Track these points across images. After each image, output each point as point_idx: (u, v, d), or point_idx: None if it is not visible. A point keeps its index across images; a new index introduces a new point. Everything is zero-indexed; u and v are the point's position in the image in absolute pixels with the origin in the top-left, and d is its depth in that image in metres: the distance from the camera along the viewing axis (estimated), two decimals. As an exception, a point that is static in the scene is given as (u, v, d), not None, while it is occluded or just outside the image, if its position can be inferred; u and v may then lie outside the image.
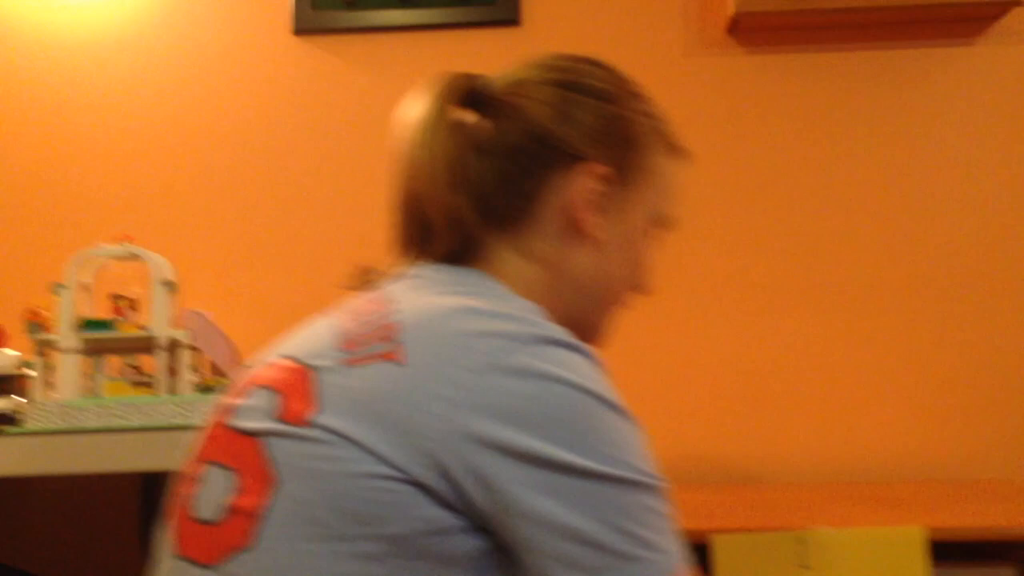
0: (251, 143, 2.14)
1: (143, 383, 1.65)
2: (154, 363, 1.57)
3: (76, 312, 1.56)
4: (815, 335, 2.00)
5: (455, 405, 0.77)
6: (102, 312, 1.65)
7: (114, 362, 1.71)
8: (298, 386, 0.82)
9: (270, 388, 0.83)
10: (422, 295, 0.84)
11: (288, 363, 0.85)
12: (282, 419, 0.81)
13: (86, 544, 2.08)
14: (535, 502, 0.76)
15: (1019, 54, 2.03)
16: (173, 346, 1.57)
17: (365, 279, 0.94)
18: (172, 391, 1.56)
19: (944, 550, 1.33)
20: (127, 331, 1.55)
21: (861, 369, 1.99)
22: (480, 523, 0.78)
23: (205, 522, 0.82)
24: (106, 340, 1.57)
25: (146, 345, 1.57)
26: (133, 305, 1.69)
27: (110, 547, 2.06)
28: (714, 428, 2.00)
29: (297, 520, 0.79)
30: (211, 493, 0.82)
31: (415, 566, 0.78)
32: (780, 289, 2.01)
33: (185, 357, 1.57)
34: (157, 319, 1.56)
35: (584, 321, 0.95)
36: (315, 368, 0.83)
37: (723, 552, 1.18)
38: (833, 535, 1.24)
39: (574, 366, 0.79)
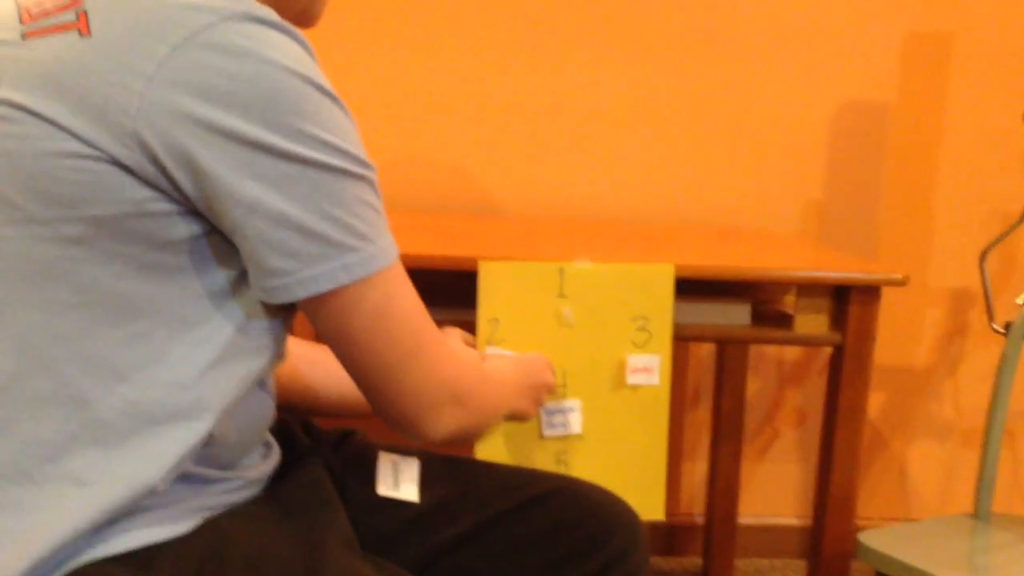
0: None
1: None
2: None
3: None
4: (585, 76, 2.02)
5: (153, 80, 0.71)
6: None
7: None
8: None
9: None
10: None
11: None
12: None
13: None
14: (242, 185, 0.73)
15: None
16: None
17: None
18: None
19: (689, 286, 1.43)
20: None
21: (629, 113, 2.04)
22: (192, 207, 0.76)
23: None
24: None
25: None
26: None
27: None
28: (486, 162, 2.02)
29: None
30: None
31: (123, 250, 0.75)
32: (554, 29, 2.00)
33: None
34: None
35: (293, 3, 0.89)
36: None
37: (488, 278, 1.22)
38: (590, 268, 1.30)
39: (282, 47, 0.75)
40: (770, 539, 2.21)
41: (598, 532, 1.01)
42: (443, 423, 0.88)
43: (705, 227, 2.01)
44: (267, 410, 0.92)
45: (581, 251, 1.42)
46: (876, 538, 1.61)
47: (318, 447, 1.04)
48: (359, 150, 0.79)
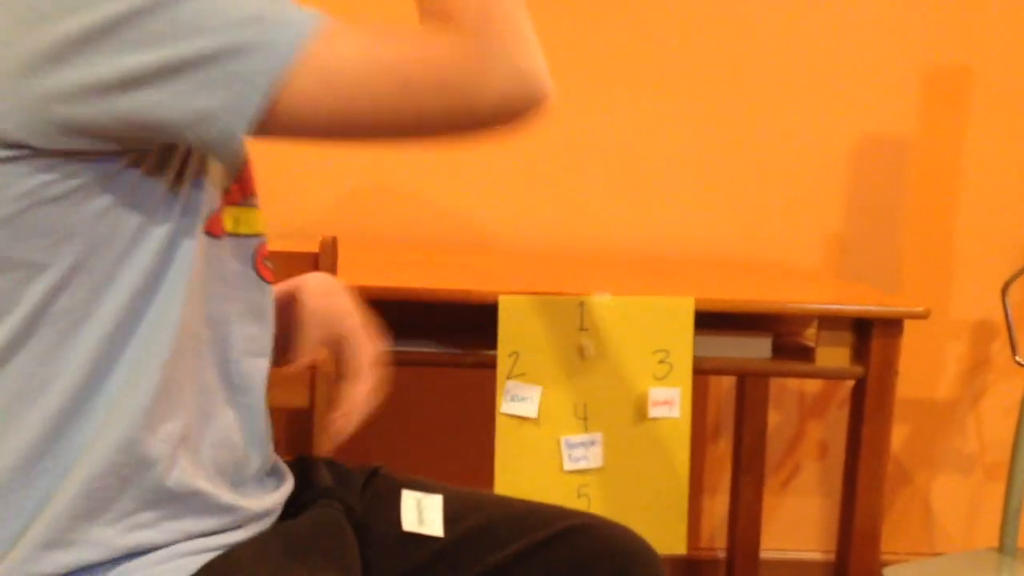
0: None
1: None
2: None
3: None
4: (604, 112, 2.03)
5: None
6: None
7: None
8: None
9: None
10: None
11: None
12: None
13: None
14: (97, 75, 0.72)
15: None
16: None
17: None
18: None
19: (709, 319, 1.43)
20: None
21: (646, 147, 2.05)
22: (86, 171, 0.76)
23: None
24: None
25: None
26: None
27: None
28: (505, 196, 2.04)
29: None
30: None
31: (30, 246, 0.76)
32: (573, 62, 2.02)
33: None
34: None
35: None
36: None
37: (508, 312, 1.23)
38: (611, 301, 1.30)
39: None
40: (793, 573, 2.18)
41: (617, 570, 1.00)
42: (494, 59, 0.78)
43: (724, 260, 2.01)
44: (246, 421, 0.90)
45: (600, 284, 1.42)
46: (901, 573, 1.60)
47: (341, 486, 1.03)
48: None
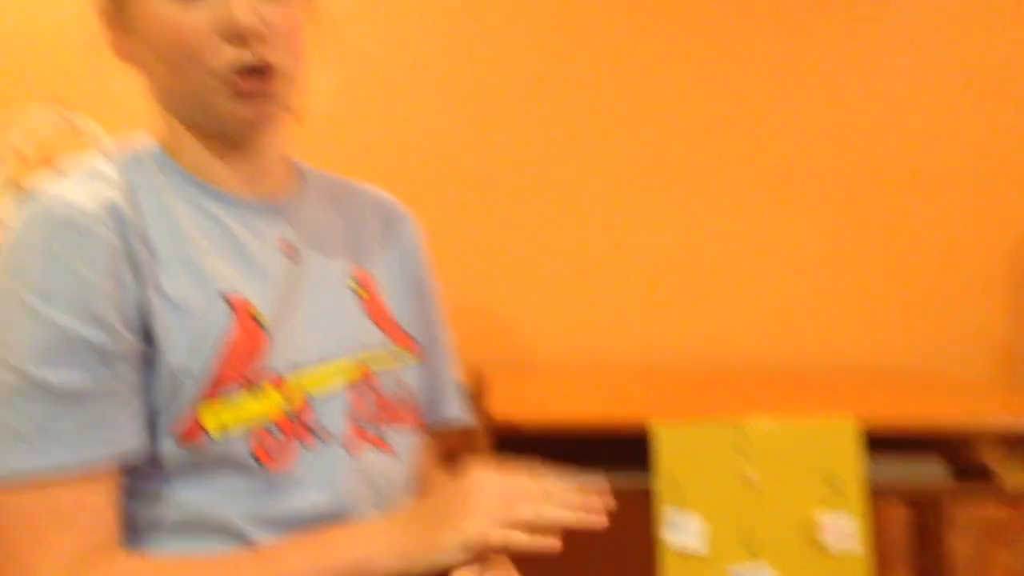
0: None
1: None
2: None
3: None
4: (753, 225, 1.99)
5: None
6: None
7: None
8: None
9: None
10: None
11: None
12: None
13: None
14: None
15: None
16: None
17: None
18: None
19: (876, 441, 1.35)
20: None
21: (799, 261, 1.99)
22: None
23: None
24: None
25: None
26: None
27: None
28: (653, 316, 2.00)
29: None
30: None
31: None
32: (724, 178, 1.99)
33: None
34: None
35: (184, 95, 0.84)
36: None
37: (665, 440, 1.18)
38: (770, 425, 1.24)
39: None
40: None
41: None
42: None
43: (880, 371, 1.92)
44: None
45: (755, 403, 1.36)
46: None
47: None
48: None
